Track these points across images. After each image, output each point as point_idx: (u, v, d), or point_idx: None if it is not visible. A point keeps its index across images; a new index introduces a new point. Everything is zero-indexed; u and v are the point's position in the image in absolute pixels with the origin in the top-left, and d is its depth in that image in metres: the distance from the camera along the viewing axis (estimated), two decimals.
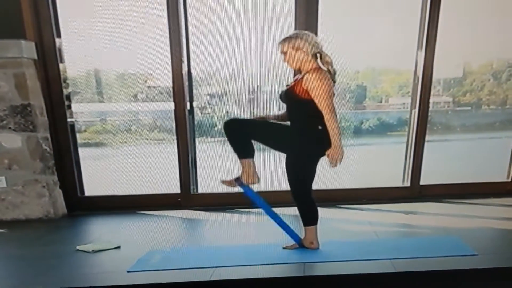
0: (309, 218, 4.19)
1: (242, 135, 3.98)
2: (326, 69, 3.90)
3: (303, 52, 3.84)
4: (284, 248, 4.27)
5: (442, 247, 4.25)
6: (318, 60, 3.90)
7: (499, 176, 6.19)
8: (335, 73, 3.98)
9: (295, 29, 5.16)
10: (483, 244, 4.29)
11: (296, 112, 3.96)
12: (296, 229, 4.30)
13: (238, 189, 4.14)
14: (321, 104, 3.77)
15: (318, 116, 3.82)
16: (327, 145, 3.91)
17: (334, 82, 3.97)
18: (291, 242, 4.29)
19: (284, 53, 3.90)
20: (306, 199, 4.14)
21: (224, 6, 5.21)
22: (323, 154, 3.99)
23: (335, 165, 3.92)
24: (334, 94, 3.94)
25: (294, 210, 4.21)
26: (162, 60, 5.40)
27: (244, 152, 4.04)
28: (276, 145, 4.08)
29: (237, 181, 4.10)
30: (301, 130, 3.93)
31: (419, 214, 5.46)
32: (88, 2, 5.34)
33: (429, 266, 3.82)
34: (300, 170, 4.02)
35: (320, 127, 3.85)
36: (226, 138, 4.01)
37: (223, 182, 4.17)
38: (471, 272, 3.74)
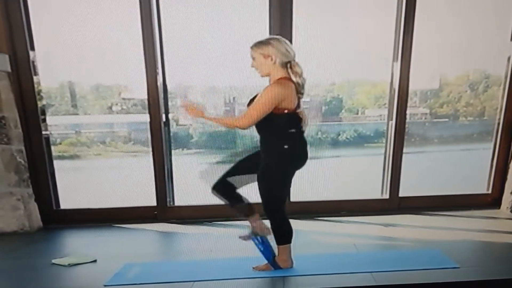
0: (282, 237, 4.06)
1: (228, 189, 4.05)
2: (295, 79, 3.77)
3: (272, 59, 3.72)
4: (253, 268, 4.16)
5: (423, 260, 4.25)
6: (289, 69, 3.77)
7: (478, 188, 6.20)
8: (303, 84, 3.84)
9: None
10: (464, 257, 4.30)
11: (259, 123, 3.82)
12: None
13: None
14: (250, 112, 3.71)
15: (282, 130, 3.78)
16: (295, 161, 3.91)
17: (302, 94, 3.87)
18: (263, 261, 4.18)
19: (253, 58, 3.81)
20: (277, 217, 3.99)
21: (198, 18, 5.22)
22: (293, 171, 3.95)
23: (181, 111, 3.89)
24: (299, 107, 3.85)
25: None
26: (137, 72, 5.40)
27: (245, 210, 4.10)
28: (252, 172, 4.00)
29: (253, 232, 4.13)
30: (267, 145, 3.87)
31: (399, 227, 5.45)
32: (62, 15, 5.33)
33: (410, 279, 3.83)
34: (269, 186, 3.90)
35: (286, 146, 3.78)
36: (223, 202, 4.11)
37: (240, 237, 4.19)
38: (453, 285, 3.75)
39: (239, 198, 4.10)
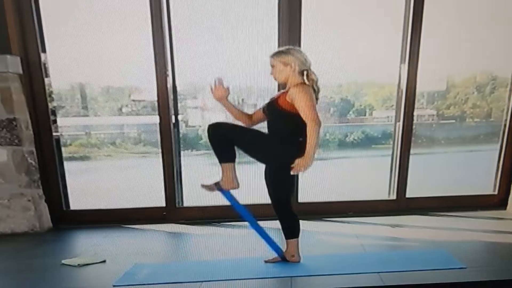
0: (290, 231, 4.17)
1: (224, 138, 3.97)
2: (310, 86, 3.93)
3: (291, 67, 3.90)
4: (265, 261, 4.26)
5: (430, 260, 4.24)
6: (304, 77, 3.94)
7: (485, 189, 6.21)
8: (318, 91, 4.04)
9: (279, 44, 5.24)
10: (471, 257, 4.30)
11: (278, 124, 3.98)
12: (278, 242, 4.29)
13: (219, 195, 4.12)
14: (307, 114, 3.78)
15: (299, 129, 3.82)
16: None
17: (317, 99, 4.02)
18: (273, 255, 4.27)
19: (273, 66, 3.97)
20: (286, 211, 4.11)
21: (208, 21, 5.25)
22: None
23: (297, 172, 3.90)
24: None
25: (277, 223, 4.18)
26: (147, 74, 5.42)
27: (225, 156, 4.05)
28: (256, 154, 4.10)
29: (217, 185, 4.09)
30: (282, 140, 3.93)
31: (406, 227, 5.44)
32: (73, 17, 5.36)
33: (417, 280, 3.83)
34: (279, 181, 4.01)
35: (301, 139, 3.84)
36: (208, 140, 4.03)
37: (203, 186, 4.18)
38: (459, 285, 3.74)
39: (226, 149, 4.08)
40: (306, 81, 3.94)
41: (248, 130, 4.17)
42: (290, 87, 3.92)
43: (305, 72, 3.95)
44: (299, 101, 3.80)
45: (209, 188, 4.15)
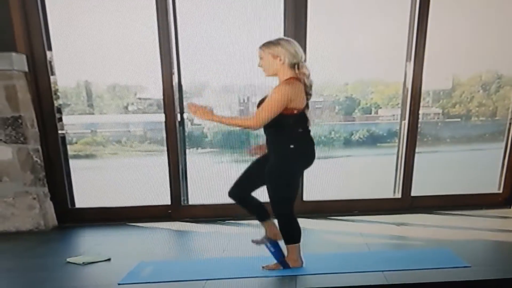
0: (290, 237, 4.03)
1: (245, 198, 4.06)
2: (302, 80, 3.78)
3: (280, 60, 3.71)
4: (263, 267, 4.14)
5: (434, 259, 4.24)
6: (296, 70, 3.76)
7: (490, 187, 6.20)
8: (311, 86, 3.85)
9: None
10: (475, 256, 4.30)
11: (267, 124, 3.78)
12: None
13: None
14: (260, 114, 3.71)
15: (290, 130, 3.78)
16: (303, 161, 3.93)
17: (310, 95, 3.87)
18: (273, 261, 4.16)
19: (261, 58, 3.80)
20: (285, 217, 3.98)
21: (214, 19, 5.25)
22: (301, 171, 4.04)
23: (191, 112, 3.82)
24: (308, 107, 3.87)
25: None
26: (153, 72, 5.43)
27: (259, 215, 4.12)
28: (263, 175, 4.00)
29: (266, 240, 4.11)
30: (274, 145, 3.87)
31: (410, 226, 5.44)
32: (79, 15, 5.36)
33: (421, 278, 3.83)
34: (277, 187, 3.91)
35: (292, 146, 3.79)
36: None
37: (253, 241, 4.17)
38: (464, 284, 3.74)
39: (254, 202, 4.10)
40: (298, 74, 3.76)
41: (249, 173, 4.14)
42: (279, 82, 3.79)
43: (296, 65, 3.75)
44: (269, 97, 3.70)
45: (257, 242, 4.16)
